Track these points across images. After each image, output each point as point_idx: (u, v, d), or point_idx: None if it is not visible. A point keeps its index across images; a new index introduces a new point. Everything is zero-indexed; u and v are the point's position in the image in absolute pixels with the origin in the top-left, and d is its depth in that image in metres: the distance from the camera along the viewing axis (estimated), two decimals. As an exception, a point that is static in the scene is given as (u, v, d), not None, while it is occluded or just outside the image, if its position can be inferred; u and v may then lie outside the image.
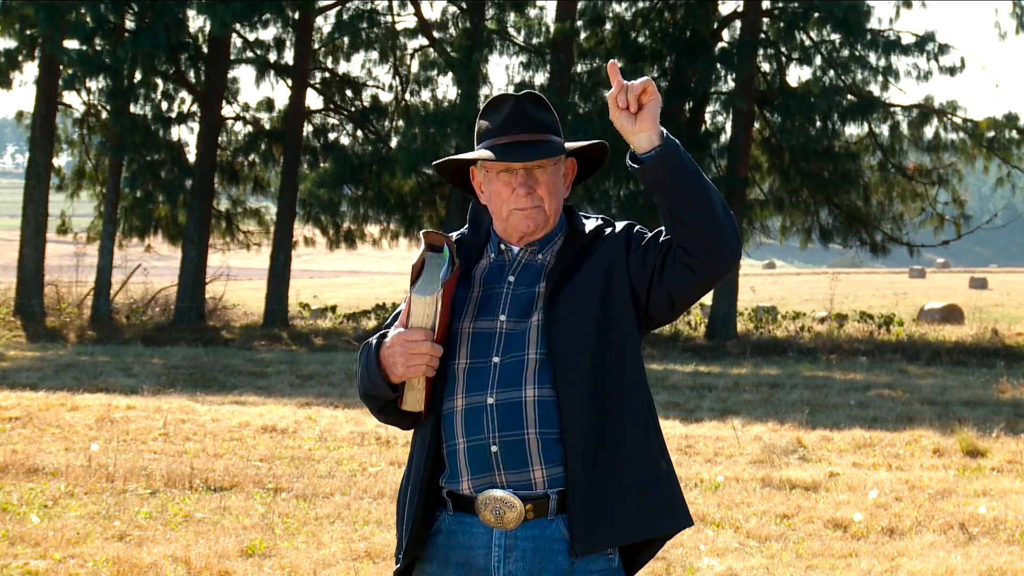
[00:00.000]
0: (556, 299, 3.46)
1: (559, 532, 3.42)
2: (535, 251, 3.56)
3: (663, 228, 3.48)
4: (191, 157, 28.40)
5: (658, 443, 3.49)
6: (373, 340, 3.52)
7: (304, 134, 28.81)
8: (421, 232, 3.52)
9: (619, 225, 3.60)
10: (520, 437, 3.40)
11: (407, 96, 29.35)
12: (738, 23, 27.67)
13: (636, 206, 26.69)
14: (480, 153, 3.52)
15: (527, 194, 3.50)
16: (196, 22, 28.14)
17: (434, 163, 3.70)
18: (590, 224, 3.61)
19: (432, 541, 3.50)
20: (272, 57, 28.90)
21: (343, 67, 30.06)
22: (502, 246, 3.58)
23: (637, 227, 3.58)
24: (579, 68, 27.83)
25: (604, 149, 3.67)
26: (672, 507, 3.49)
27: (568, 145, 3.57)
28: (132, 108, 27.18)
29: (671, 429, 12.97)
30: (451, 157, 3.60)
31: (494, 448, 3.41)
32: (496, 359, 3.45)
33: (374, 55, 29.39)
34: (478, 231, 3.62)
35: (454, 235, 3.62)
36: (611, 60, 3.47)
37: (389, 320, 3.61)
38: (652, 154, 3.34)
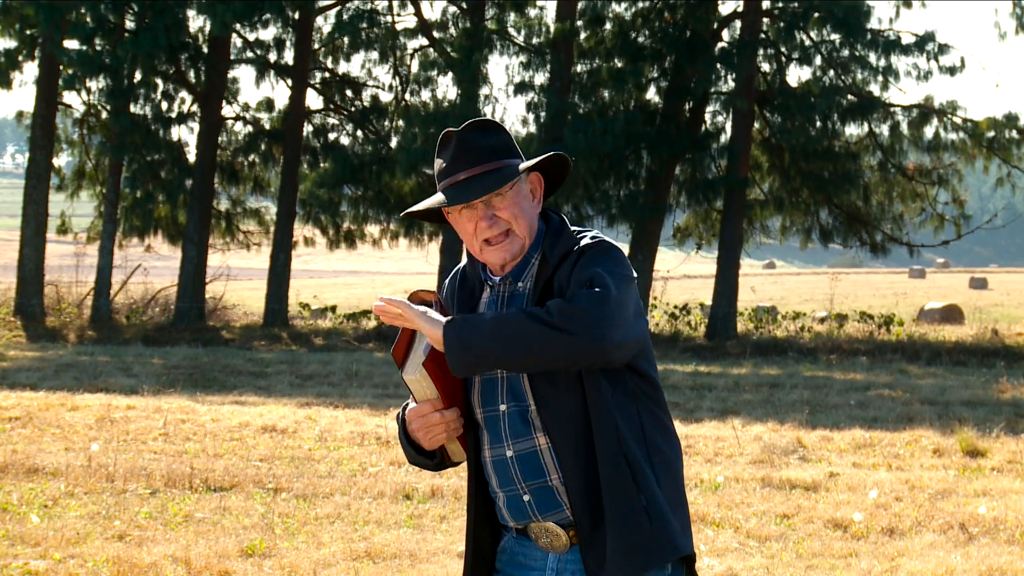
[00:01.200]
0: None
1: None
2: (511, 283, 3.57)
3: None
4: (191, 157, 28.40)
5: (642, 475, 3.46)
6: (401, 415, 3.64)
7: (304, 134, 28.80)
8: (409, 295, 3.56)
9: (576, 254, 3.50)
10: (545, 484, 3.50)
11: (407, 96, 29.35)
12: (738, 23, 27.66)
13: (636, 206, 26.69)
14: (434, 199, 3.55)
15: (489, 225, 3.51)
16: (196, 22, 28.17)
17: (402, 215, 3.73)
18: (561, 244, 3.54)
19: (499, 557, 3.66)
20: (272, 57, 28.90)
21: (343, 67, 30.07)
22: (488, 281, 3.61)
23: (581, 266, 3.48)
24: (579, 68, 27.82)
25: (563, 161, 3.63)
26: (653, 542, 3.45)
27: (522, 166, 3.54)
28: (132, 108, 27.18)
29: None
30: (412, 209, 3.62)
31: (527, 497, 3.52)
32: (503, 407, 3.52)
33: (374, 55, 29.40)
34: (475, 265, 3.66)
35: (459, 267, 3.68)
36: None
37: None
38: (449, 358, 3.37)
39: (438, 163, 3.57)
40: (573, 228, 3.59)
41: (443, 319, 3.38)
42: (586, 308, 3.33)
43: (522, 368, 3.39)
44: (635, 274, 3.52)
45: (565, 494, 3.48)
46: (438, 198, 3.54)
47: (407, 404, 3.61)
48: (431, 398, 3.50)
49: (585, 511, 3.45)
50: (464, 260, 3.71)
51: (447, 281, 3.70)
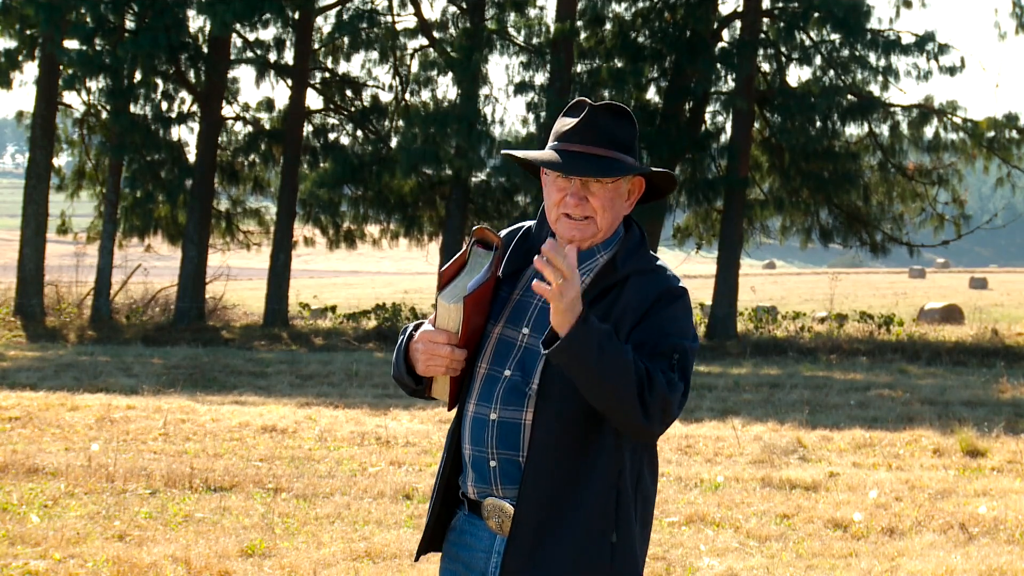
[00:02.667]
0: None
1: None
2: None
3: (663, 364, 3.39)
4: (191, 157, 28.40)
5: (615, 516, 3.42)
6: (409, 327, 3.58)
7: (304, 134, 28.80)
8: (475, 228, 3.52)
9: (651, 289, 3.44)
10: (516, 457, 3.45)
11: (407, 96, 29.35)
12: (738, 23, 27.66)
13: (635, 206, 26.65)
14: (541, 156, 3.49)
15: (576, 204, 3.46)
16: (196, 22, 28.17)
17: (504, 152, 3.67)
18: (638, 259, 3.49)
19: (448, 537, 3.62)
20: (272, 57, 28.89)
21: (343, 67, 30.07)
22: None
23: (667, 316, 3.43)
24: (579, 68, 27.82)
25: (672, 181, 3.62)
26: None
27: (635, 167, 3.50)
28: (132, 108, 27.17)
29: (671, 429, 12.97)
30: (521, 153, 3.56)
31: (492, 463, 3.47)
32: (508, 372, 3.47)
33: (374, 55, 29.39)
34: (543, 228, 3.60)
35: (527, 225, 3.63)
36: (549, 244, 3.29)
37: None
38: (555, 344, 3.28)
39: (559, 123, 3.51)
40: (648, 253, 3.54)
41: (580, 312, 3.26)
42: (674, 406, 3.33)
43: (589, 396, 3.33)
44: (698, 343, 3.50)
45: (524, 468, 3.42)
46: (549, 155, 3.47)
47: (420, 322, 3.57)
48: (451, 331, 3.45)
49: (530, 512, 3.39)
50: (534, 222, 3.65)
51: (510, 230, 3.64)
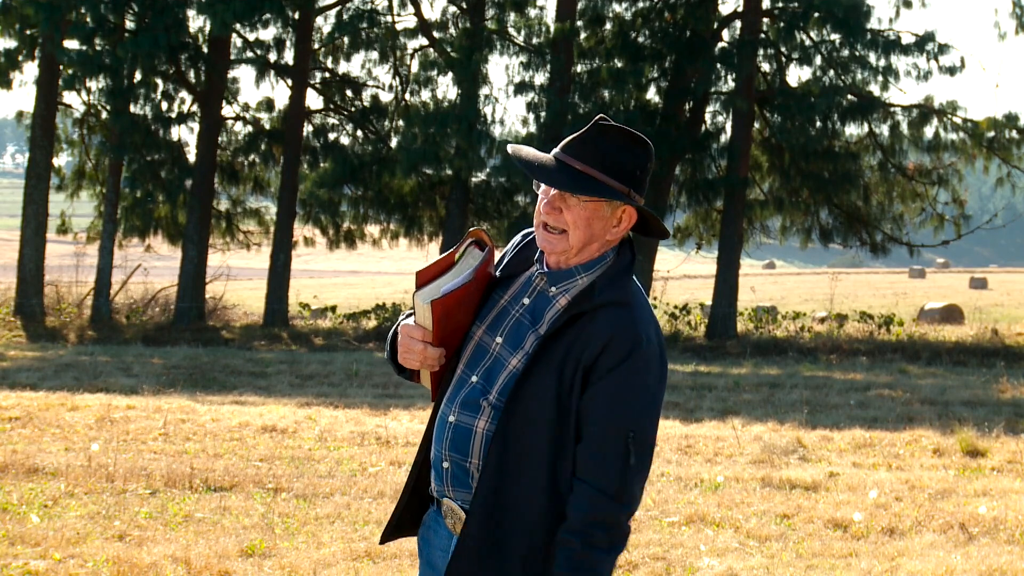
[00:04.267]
0: (538, 358, 3.40)
1: None
2: (547, 283, 3.49)
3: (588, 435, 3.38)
4: (191, 157, 28.40)
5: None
6: (403, 317, 3.64)
7: (304, 134, 28.80)
8: (471, 229, 3.53)
9: (619, 333, 3.36)
10: (464, 463, 3.48)
11: (407, 96, 29.34)
12: (738, 23, 27.66)
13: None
14: (532, 156, 3.47)
15: (549, 212, 3.44)
16: (196, 22, 28.16)
17: (509, 146, 3.64)
18: (614, 291, 3.41)
19: (420, 530, 3.69)
20: (272, 57, 28.89)
21: (343, 67, 30.06)
22: (537, 263, 3.55)
23: (625, 382, 3.36)
24: (579, 68, 27.82)
25: (662, 228, 3.55)
26: None
27: (612, 192, 3.40)
28: (132, 108, 27.17)
29: (671, 429, 12.98)
30: (525, 153, 3.49)
31: (445, 464, 3.52)
32: (474, 378, 3.49)
33: (374, 55, 29.39)
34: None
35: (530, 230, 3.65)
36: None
37: None
38: None
39: (578, 133, 3.48)
40: (629, 283, 3.46)
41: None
42: (633, 492, 3.34)
43: None
44: (661, 403, 3.45)
45: (477, 481, 3.45)
46: (537, 158, 3.46)
47: (410, 313, 3.62)
48: (426, 328, 3.51)
49: (482, 526, 3.40)
50: None
51: (520, 235, 3.63)
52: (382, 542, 3.76)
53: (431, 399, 3.64)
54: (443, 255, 3.54)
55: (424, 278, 3.50)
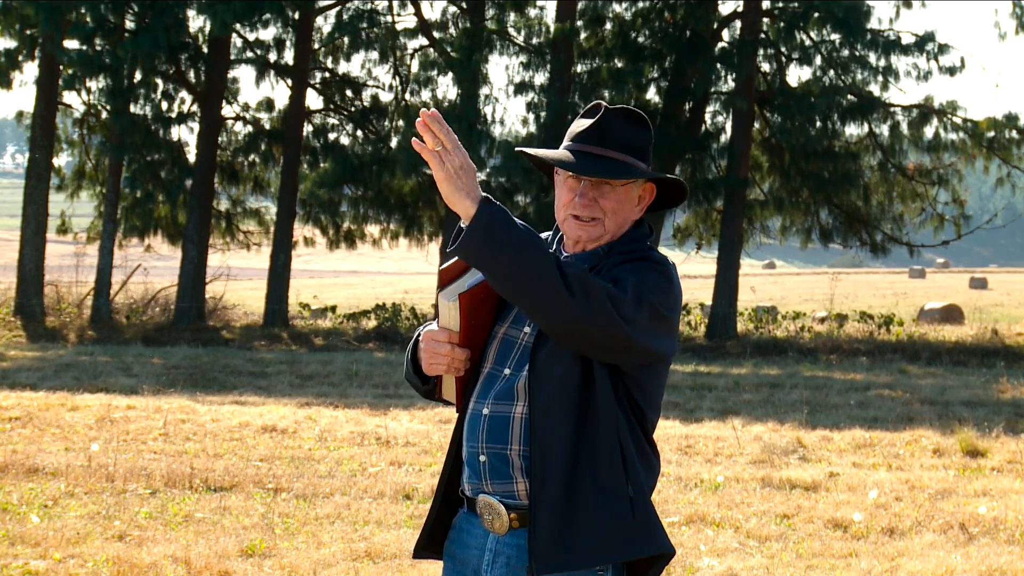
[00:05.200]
0: None
1: None
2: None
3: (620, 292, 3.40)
4: (191, 157, 28.40)
5: (634, 468, 3.44)
6: (423, 327, 3.60)
7: (304, 134, 28.80)
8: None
9: (634, 259, 3.49)
10: (504, 451, 3.46)
11: (407, 96, 29.35)
12: (738, 23, 27.66)
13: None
14: (555, 155, 3.52)
15: (586, 205, 3.49)
16: (196, 22, 28.17)
17: (519, 149, 3.68)
18: (631, 246, 3.53)
19: (449, 535, 3.63)
20: (272, 57, 28.89)
21: (343, 67, 30.07)
22: (559, 252, 3.58)
23: (625, 268, 3.47)
24: (579, 68, 27.82)
25: (683, 191, 3.63)
26: (631, 535, 3.43)
27: (646, 173, 3.51)
28: (132, 108, 27.17)
29: (671, 429, 12.98)
30: (535, 151, 3.55)
31: (483, 458, 3.49)
32: (507, 371, 3.49)
33: (374, 55, 29.39)
34: (557, 232, 3.65)
35: (545, 233, 3.65)
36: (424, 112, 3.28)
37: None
38: (466, 228, 3.28)
39: (580, 123, 3.54)
40: (645, 246, 3.55)
41: (482, 193, 3.27)
42: (601, 288, 3.31)
43: (506, 290, 3.31)
44: (673, 313, 3.46)
45: (520, 468, 3.43)
46: (563, 154, 3.50)
47: (429, 324, 3.59)
48: (452, 329, 3.47)
49: (546, 488, 3.39)
50: (551, 232, 3.69)
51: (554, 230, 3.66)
52: (416, 557, 3.70)
53: (456, 408, 3.58)
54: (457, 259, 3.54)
55: (447, 276, 3.51)
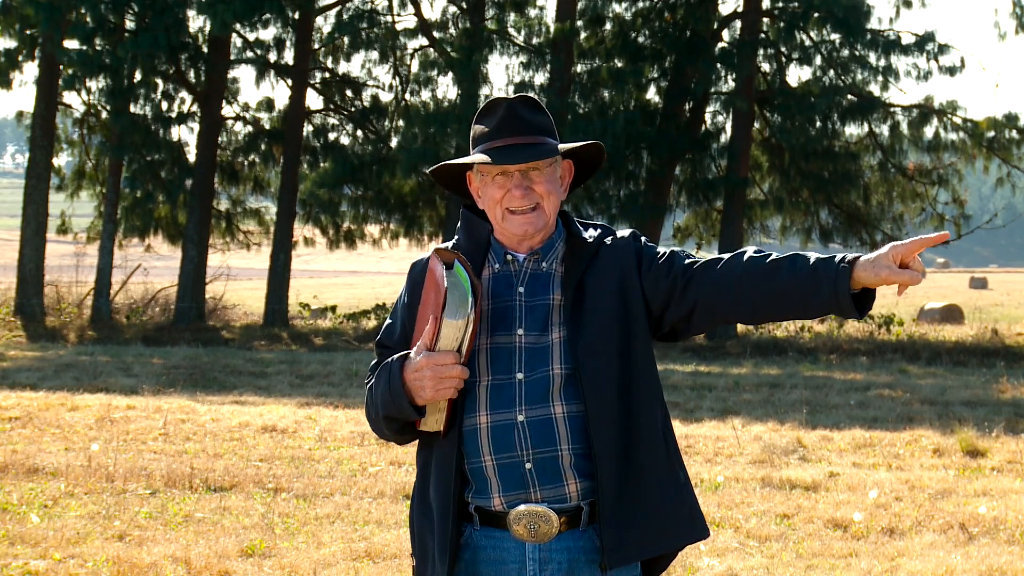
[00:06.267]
0: (577, 312, 3.46)
1: (592, 543, 3.44)
2: (538, 259, 3.54)
3: (688, 255, 3.53)
4: (191, 157, 28.41)
5: (676, 454, 3.53)
6: (395, 361, 3.47)
7: (304, 134, 28.81)
8: (434, 249, 3.49)
9: (623, 233, 3.58)
10: (554, 453, 3.42)
11: (407, 96, 29.35)
12: (738, 23, 27.67)
13: (636, 206, 26.69)
14: (475, 157, 3.51)
15: (523, 195, 3.48)
16: (196, 22, 28.17)
17: (429, 169, 3.69)
18: (590, 231, 3.59)
19: (460, 556, 3.49)
20: (272, 57, 28.90)
21: (343, 67, 30.09)
22: (508, 256, 3.55)
23: (644, 239, 3.59)
24: (579, 68, 27.82)
25: (600, 150, 3.65)
26: (691, 519, 3.52)
27: (562, 146, 3.54)
28: (132, 108, 27.18)
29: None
30: (447, 162, 3.58)
31: (528, 465, 3.41)
32: (520, 375, 3.45)
33: (374, 55, 29.41)
34: (474, 239, 3.58)
35: (448, 244, 3.61)
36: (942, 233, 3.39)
37: (387, 332, 3.62)
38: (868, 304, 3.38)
39: (478, 128, 3.55)
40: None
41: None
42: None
43: (792, 317, 3.46)
44: None
45: (571, 466, 3.40)
46: (479, 156, 3.50)
47: (405, 354, 3.45)
48: (455, 350, 3.37)
49: (614, 482, 3.40)
50: (456, 237, 3.63)
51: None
52: None
53: (442, 433, 3.47)
54: (431, 275, 3.45)
55: (430, 297, 3.44)
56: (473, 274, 3.43)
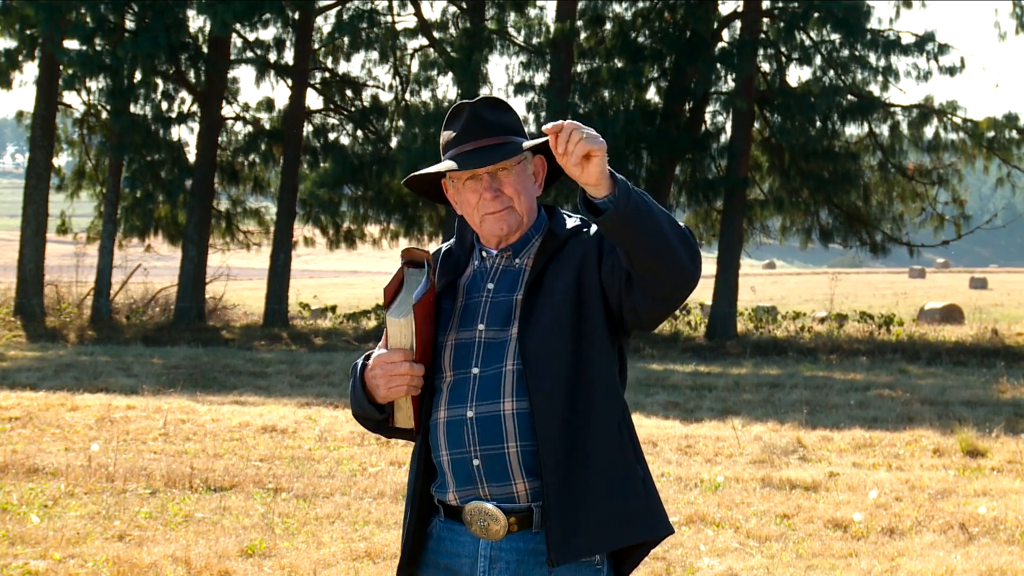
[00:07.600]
0: (530, 308, 3.45)
1: (543, 544, 3.42)
2: (510, 256, 3.55)
3: None
4: (191, 157, 28.41)
5: (633, 450, 3.46)
6: (359, 362, 3.54)
7: (304, 134, 28.81)
8: (401, 250, 3.54)
9: (589, 231, 3.53)
10: (500, 451, 3.42)
11: (407, 96, 29.36)
12: (738, 23, 27.67)
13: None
14: (441, 165, 3.53)
15: (494, 197, 3.50)
16: (196, 22, 28.18)
17: (403, 180, 3.69)
18: (570, 223, 3.57)
19: (425, 545, 3.55)
20: (272, 57, 28.90)
21: (343, 67, 30.10)
22: (483, 253, 3.58)
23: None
24: (579, 68, 27.82)
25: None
26: (648, 514, 3.45)
27: (526, 144, 3.52)
28: (132, 108, 27.18)
29: (671, 429, 12.98)
30: (416, 173, 3.60)
31: (476, 462, 3.43)
32: (476, 370, 3.46)
33: (374, 55, 29.41)
34: (463, 242, 3.64)
35: (444, 246, 3.65)
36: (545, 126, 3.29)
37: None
38: (607, 206, 3.23)
39: (446, 134, 3.56)
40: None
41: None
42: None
43: (649, 248, 3.25)
44: None
45: (519, 464, 3.40)
46: (446, 164, 3.51)
47: (369, 352, 3.53)
48: (405, 347, 3.43)
49: (559, 478, 3.36)
50: (452, 240, 3.68)
51: (434, 251, 3.67)
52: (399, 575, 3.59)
53: (414, 430, 3.51)
54: (393, 275, 3.51)
55: (390, 293, 3.49)
56: (434, 272, 3.50)
